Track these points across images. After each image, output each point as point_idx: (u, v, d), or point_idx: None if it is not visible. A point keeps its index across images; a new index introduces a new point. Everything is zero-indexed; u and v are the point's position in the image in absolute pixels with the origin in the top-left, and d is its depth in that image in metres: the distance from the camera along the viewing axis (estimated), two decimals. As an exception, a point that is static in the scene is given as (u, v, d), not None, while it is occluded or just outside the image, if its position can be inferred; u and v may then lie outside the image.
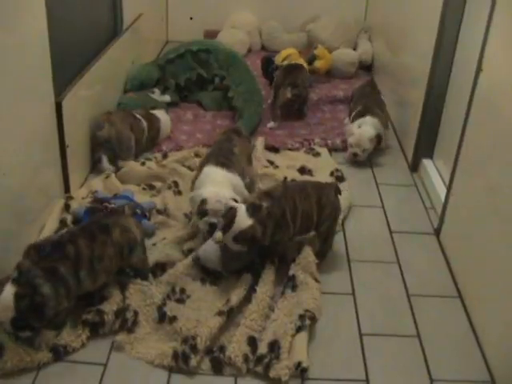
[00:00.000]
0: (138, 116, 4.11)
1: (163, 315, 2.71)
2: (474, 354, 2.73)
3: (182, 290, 2.91)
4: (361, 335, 2.76)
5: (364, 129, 4.13)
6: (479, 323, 2.84)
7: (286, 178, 3.67)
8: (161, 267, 3.01)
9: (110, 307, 2.70)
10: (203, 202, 3.04)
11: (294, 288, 2.88)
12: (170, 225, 3.33)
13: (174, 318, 2.70)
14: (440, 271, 3.21)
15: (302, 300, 2.80)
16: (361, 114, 4.26)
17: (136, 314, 2.71)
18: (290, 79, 4.72)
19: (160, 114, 4.33)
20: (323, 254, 3.18)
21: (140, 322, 2.70)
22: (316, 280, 2.95)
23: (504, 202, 2.67)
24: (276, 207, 2.91)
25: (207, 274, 3.01)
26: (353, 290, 3.03)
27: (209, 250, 3.00)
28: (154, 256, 3.03)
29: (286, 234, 3.00)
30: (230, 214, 2.84)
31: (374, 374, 2.57)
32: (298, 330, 2.65)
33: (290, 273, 2.95)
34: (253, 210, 2.85)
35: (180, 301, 2.85)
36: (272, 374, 2.48)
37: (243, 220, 2.82)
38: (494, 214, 2.77)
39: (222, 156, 3.29)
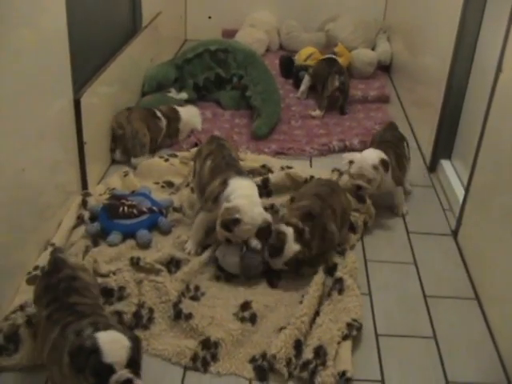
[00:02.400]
0: (158, 114, 4.13)
1: (179, 312, 2.71)
2: (490, 355, 2.71)
3: (197, 288, 2.91)
4: (377, 336, 2.75)
5: (366, 154, 3.46)
6: (496, 325, 2.82)
7: (312, 177, 3.63)
8: (175, 264, 3.01)
9: (128, 308, 2.72)
10: (235, 222, 2.89)
11: (340, 291, 2.86)
12: (186, 223, 3.33)
13: (189, 316, 2.70)
14: (457, 273, 3.19)
15: (349, 307, 2.78)
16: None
17: (151, 311, 2.72)
18: (336, 68, 4.88)
19: (184, 111, 4.34)
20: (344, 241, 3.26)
21: (155, 318, 2.70)
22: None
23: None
24: (317, 226, 2.97)
25: (221, 271, 3.02)
26: (369, 290, 3.02)
27: (228, 254, 2.99)
28: (169, 253, 3.04)
29: (335, 238, 3.07)
30: (280, 240, 2.91)
31: (389, 374, 2.56)
32: (344, 338, 2.64)
33: (338, 275, 2.95)
34: (298, 234, 2.91)
35: (195, 298, 2.86)
36: (318, 380, 2.45)
37: (292, 246, 2.90)
38: (512, 215, 2.75)
39: (232, 165, 3.17)
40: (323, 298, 2.87)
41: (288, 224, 2.96)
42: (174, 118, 4.22)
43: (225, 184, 3.03)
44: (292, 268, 2.96)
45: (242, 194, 2.96)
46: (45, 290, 2.36)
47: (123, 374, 1.96)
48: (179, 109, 4.33)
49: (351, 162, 3.42)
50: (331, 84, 4.79)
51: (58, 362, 2.07)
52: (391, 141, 3.67)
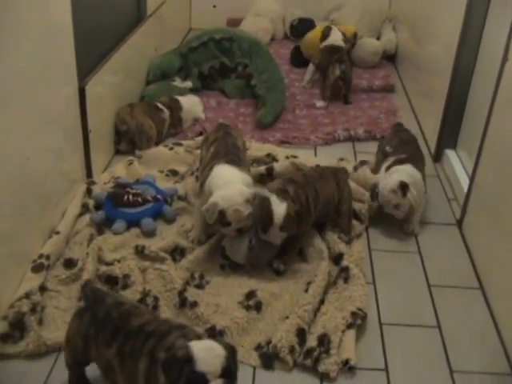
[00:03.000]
0: (160, 106, 4.13)
1: (184, 301, 2.73)
2: (494, 345, 2.72)
3: (202, 276, 2.92)
4: (381, 324, 2.76)
5: (388, 179, 3.27)
6: (500, 315, 2.82)
7: (317, 166, 3.60)
8: (180, 253, 3.02)
9: (133, 296, 2.72)
10: (222, 214, 2.85)
11: (346, 280, 2.87)
12: (191, 211, 3.33)
13: (194, 304, 2.72)
14: (461, 262, 3.19)
15: (354, 296, 2.78)
16: (402, 163, 3.38)
17: (156, 299, 2.73)
18: (337, 56, 4.84)
19: (185, 100, 4.33)
20: (349, 230, 3.24)
21: (160, 306, 2.71)
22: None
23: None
24: (300, 191, 2.94)
25: (226, 259, 3.03)
26: (373, 279, 3.02)
27: (235, 245, 2.99)
28: (173, 241, 3.05)
29: (309, 222, 3.02)
30: (265, 208, 2.84)
31: (393, 363, 2.56)
32: (349, 326, 2.64)
33: (344, 264, 2.95)
34: (282, 194, 2.87)
35: (199, 286, 2.86)
36: (321, 368, 2.46)
37: (279, 206, 2.82)
38: (517, 205, 2.75)
39: (230, 153, 3.13)
40: (328, 287, 2.87)
41: (270, 190, 2.92)
42: (175, 107, 4.22)
43: (210, 170, 3.03)
44: (291, 230, 2.89)
45: (218, 182, 2.93)
46: (95, 327, 2.15)
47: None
48: (180, 98, 4.32)
49: (375, 187, 3.33)
50: (332, 73, 4.78)
51: None
52: (412, 143, 3.67)
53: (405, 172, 3.27)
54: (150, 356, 2.01)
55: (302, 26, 5.95)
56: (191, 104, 4.36)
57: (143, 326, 2.11)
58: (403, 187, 3.19)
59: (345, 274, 2.89)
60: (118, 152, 3.99)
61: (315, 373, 2.48)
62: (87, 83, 3.37)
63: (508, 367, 2.61)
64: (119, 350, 2.08)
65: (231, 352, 1.97)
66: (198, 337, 2.03)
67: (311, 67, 5.09)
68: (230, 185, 2.91)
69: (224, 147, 3.17)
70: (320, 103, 4.79)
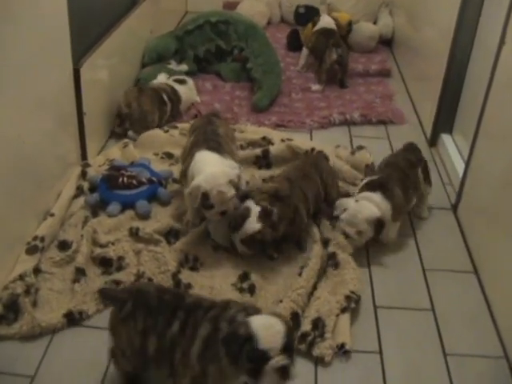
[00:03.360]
0: (165, 98, 4.09)
1: (178, 283, 2.73)
2: (488, 329, 2.73)
3: (196, 258, 2.91)
4: (375, 308, 2.76)
5: (363, 204, 3.03)
6: (494, 299, 2.83)
7: (313, 150, 3.62)
8: (174, 235, 3.02)
9: (127, 278, 2.73)
10: (205, 196, 2.79)
11: (335, 266, 2.86)
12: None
13: (188, 286, 2.72)
14: (456, 246, 3.19)
15: (346, 279, 2.78)
16: (372, 187, 3.10)
17: (150, 281, 2.72)
18: (333, 40, 4.84)
19: (183, 90, 4.28)
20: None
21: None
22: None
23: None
24: (287, 208, 2.90)
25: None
26: (368, 263, 3.03)
27: (219, 227, 2.99)
28: (168, 224, 3.05)
29: (303, 224, 3.02)
30: (241, 215, 2.82)
31: (387, 346, 2.57)
32: (343, 310, 2.64)
33: (330, 250, 2.94)
34: (264, 215, 2.82)
35: (193, 269, 2.86)
36: (316, 352, 2.47)
37: (253, 225, 2.80)
38: (512, 189, 2.75)
39: (210, 140, 3.05)
40: (321, 272, 2.87)
41: (257, 203, 2.87)
42: (175, 100, 4.19)
43: (191, 157, 2.96)
44: (252, 248, 2.88)
45: (201, 167, 2.87)
46: (152, 317, 2.13)
47: (279, 360, 1.88)
48: (178, 88, 4.25)
49: (345, 210, 3.07)
50: (329, 57, 4.76)
51: (216, 358, 1.99)
52: (402, 168, 3.20)
53: (377, 204, 3.00)
54: (212, 323, 2.04)
55: (307, 15, 5.87)
56: (188, 93, 4.33)
57: (200, 302, 2.15)
58: (380, 224, 2.99)
59: (332, 260, 2.88)
60: (113, 135, 3.97)
61: (310, 357, 2.48)
62: (82, 65, 3.35)
63: (501, 350, 2.62)
64: (182, 324, 2.10)
65: (289, 326, 1.98)
66: (257, 311, 2.05)
67: (305, 51, 5.08)
68: (213, 168, 2.86)
69: (203, 134, 3.11)
70: (316, 87, 4.78)
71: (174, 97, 4.19)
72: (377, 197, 3.01)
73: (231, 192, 2.80)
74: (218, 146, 3.02)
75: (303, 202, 2.99)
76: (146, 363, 2.18)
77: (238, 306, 2.08)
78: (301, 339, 2.50)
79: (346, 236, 3.00)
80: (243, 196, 2.92)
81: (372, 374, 2.45)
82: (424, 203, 3.34)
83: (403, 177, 3.14)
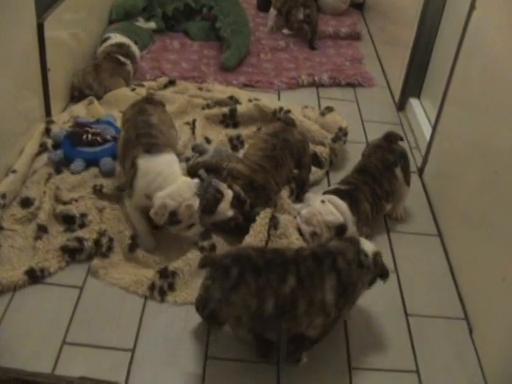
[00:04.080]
0: (122, 59, 3.96)
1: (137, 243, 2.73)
2: (449, 290, 2.78)
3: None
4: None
5: (328, 207, 2.83)
6: (457, 262, 2.87)
7: (281, 110, 3.60)
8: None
9: (89, 235, 2.69)
10: (173, 214, 2.59)
11: (276, 226, 2.82)
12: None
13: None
14: (422, 210, 3.23)
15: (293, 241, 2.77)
16: (340, 196, 2.90)
17: (111, 240, 2.71)
18: (302, 0, 4.82)
19: (133, 45, 4.16)
20: (307, 180, 3.18)
21: (115, 248, 2.70)
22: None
23: (488, 142, 2.66)
24: (260, 199, 2.87)
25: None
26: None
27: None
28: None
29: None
30: (214, 199, 2.76)
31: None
32: None
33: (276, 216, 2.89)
34: (238, 202, 2.79)
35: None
36: None
37: (226, 211, 2.76)
38: (477, 154, 2.76)
39: (143, 136, 2.75)
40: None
41: (229, 187, 2.82)
42: (132, 55, 4.08)
43: (134, 167, 2.67)
44: (221, 229, 2.84)
45: (157, 182, 2.62)
46: (263, 276, 2.16)
47: None
48: (126, 41, 4.11)
49: (308, 206, 2.93)
50: (295, 17, 4.78)
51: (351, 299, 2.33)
52: (375, 175, 3.01)
53: (343, 212, 2.83)
54: (335, 272, 2.22)
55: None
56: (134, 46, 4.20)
57: (301, 252, 2.28)
58: (341, 230, 2.77)
59: (273, 221, 2.84)
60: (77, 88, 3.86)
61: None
62: (46, 19, 3.25)
63: (462, 312, 2.67)
64: (298, 277, 2.18)
65: None
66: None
67: (272, 12, 5.03)
68: (169, 179, 2.63)
69: (134, 129, 2.80)
70: (286, 30, 4.90)
71: (129, 51, 4.08)
72: (343, 205, 2.84)
73: (197, 203, 2.64)
74: (153, 143, 2.74)
75: (276, 192, 2.97)
76: (263, 324, 2.22)
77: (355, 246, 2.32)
78: None
79: (300, 234, 2.83)
80: (210, 168, 2.91)
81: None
82: (400, 204, 3.14)
83: (375, 187, 2.97)
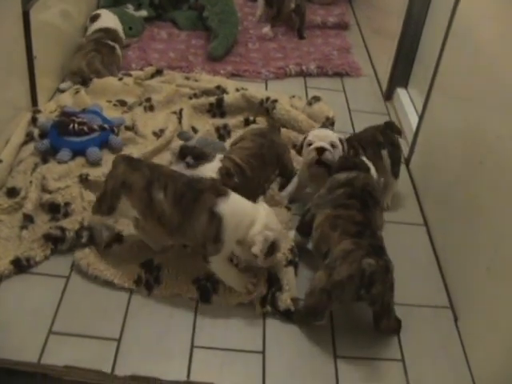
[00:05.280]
0: (111, 43, 3.96)
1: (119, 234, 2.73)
2: (435, 280, 2.80)
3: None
4: (325, 258, 2.78)
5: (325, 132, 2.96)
6: (442, 251, 2.88)
7: (268, 99, 3.57)
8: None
9: (72, 225, 2.67)
10: (274, 245, 2.45)
11: None
12: (138, 141, 3.29)
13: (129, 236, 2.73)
14: (408, 199, 3.24)
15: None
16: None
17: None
18: None
19: (119, 29, 4.17)
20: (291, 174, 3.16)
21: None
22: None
23: (473, 132, 2.67)
24: (243, 185, 2.80)
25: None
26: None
27: None
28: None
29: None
30: (204, 156, 2.80)
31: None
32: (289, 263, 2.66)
33: None
34: (226, 172, 2.77)
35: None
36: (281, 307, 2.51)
37: (209, 172, 2.73)
38: (462, 144, 2.77)
39: (198, 182, 2.53)
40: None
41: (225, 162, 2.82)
42: (119, 40, 4.09)
43: (216, 218, 2.39)
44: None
45: (243, 219, 2.43)
46: None
47: None
48: (116, 28, 4.13)
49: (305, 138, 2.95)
50: (287, 7, 4.78)
51: None
52: (360, 140, 3.06)
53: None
54: None
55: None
56: (121, 29, 4.20)
57: None
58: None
59: None
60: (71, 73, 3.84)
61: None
62: (32, 6, 3.23)
63: (447, 301, 2.70)
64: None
65: None
66: None
67: (261, 1, 5.01)
68: (252, 213, 2.44)
69: (174, 183, 2.47)
70: (265, 29, 4.78)
71: (117, 36, 4.07)
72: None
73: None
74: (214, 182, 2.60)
75: (256, 186, 2.96)
76: None
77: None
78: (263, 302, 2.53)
79: (321, 152, 2.85)
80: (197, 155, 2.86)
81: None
82: (387, 195, 3.14)
83: (360, 150, 2.98)
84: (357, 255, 2.28)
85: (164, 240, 2.58)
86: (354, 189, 2.57)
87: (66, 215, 2.74)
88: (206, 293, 2.53)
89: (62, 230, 2.64)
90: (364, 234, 2.38)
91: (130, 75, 3.87)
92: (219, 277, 2.51)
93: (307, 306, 2.43)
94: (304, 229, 2.69)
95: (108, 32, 4.03)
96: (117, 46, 4.00)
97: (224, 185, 2.58)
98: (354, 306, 2.56)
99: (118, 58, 4.00)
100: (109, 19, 4.13)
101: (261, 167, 2.94)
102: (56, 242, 2.63)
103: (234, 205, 2.40)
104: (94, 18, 4.10)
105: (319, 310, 2.41)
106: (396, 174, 3.12)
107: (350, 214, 2.46)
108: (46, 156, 3.08)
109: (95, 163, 3.07)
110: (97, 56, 3.83)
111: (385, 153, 3.05)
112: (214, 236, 2.37)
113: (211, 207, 2.36)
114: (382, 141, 3.07)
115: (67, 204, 2.77)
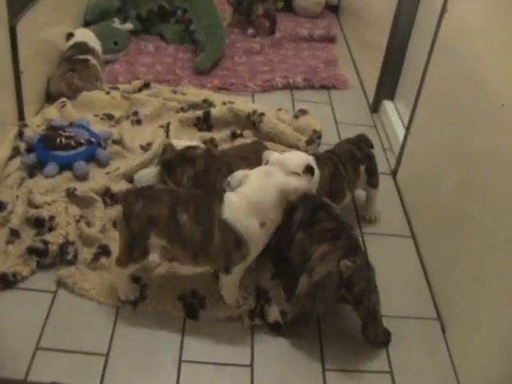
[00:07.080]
0: (82, 57, 3.92)
1: (105, 248, 2.73)
2: (422, 292, 2.80)
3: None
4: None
5: (292, 154, 2.82)
6: (430, 263, 2.89)
7: (255, 112, 3.57)
8: (110, 196, 2.96)
9: (55, 239, 2.65)
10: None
11: None
12: (125, 155, 3.28)
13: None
14: (395, 211, 3.25)
15: None
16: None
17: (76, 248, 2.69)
18: None
19: (91, 40, 4.12)
20: None
21: (80, 254, 2.69)
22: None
23: (459, 144, 2.69)
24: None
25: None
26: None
27: (144, 175, 2.97)
28: (104, 185, 3.00)
29: None
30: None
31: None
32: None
33: None
34: (208, 150, 2.86)
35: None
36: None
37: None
38: (449, 156, 2.79)
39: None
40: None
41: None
42: (89, 49, 4.04)
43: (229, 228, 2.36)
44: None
45: (256, 205, 2.36)
46: None
47: None
48: (86, 41, 4.07)
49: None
50: (255, 13, 4.95)
51: None
52: (339, 155, 3.01)
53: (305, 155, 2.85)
54: None
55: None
56: (92, 40, 4.15)
57: None
58: (310, 169, 2.69)
59: None
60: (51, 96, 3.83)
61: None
62: (19, 21, 3.23)
63: (435, 312, 2.70)
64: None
65: None
66: None
67: (228, 9, 5.11)
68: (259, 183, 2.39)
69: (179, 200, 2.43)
70: (250, 30, 4.95)
71: (87, 48, 4.02)
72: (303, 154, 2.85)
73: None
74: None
75: None
76: None
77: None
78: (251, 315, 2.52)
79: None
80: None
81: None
82: (372, 207, 3.17)
83: (339, 165, 2.96)
84: (333, 255, 2.33)
85: (190, 264, 2.51)
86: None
87: (51, 229, 2.72)
88: (192, 310, 2.52)
89: (45, 243, 2.62)
90: (340, 236, 2.43)
91: (117, 89, 3.87)
92: (223, 290, 2.50)
93: (295, 313, 2.44)
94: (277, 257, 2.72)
95: (77, 46, 4.00)
96: (89, 57, 3.96)
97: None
98: (342, 318, 2.56)
99: (94, 68, 3.96)
100: (78, 34, 4.10)
101: None
102: (39, 256, 2.62)
103: (238, 195, 2.34)
104: (68, 37, 4.08)
105: (308, 316, 2.44)
106: (375, 185, 3.12)
107: (321, 226, 2.48)
108: (32, 170, 3.07)
109: (82, 177, 3.07)
110: (73, 75, 3.79)
111: (362, 168, 3.04)
112: (235, 241, 2.32)
113: (218, 217, 2.32)
114: (359, 156, 3.05)
115: (52, 218, 2.75)
